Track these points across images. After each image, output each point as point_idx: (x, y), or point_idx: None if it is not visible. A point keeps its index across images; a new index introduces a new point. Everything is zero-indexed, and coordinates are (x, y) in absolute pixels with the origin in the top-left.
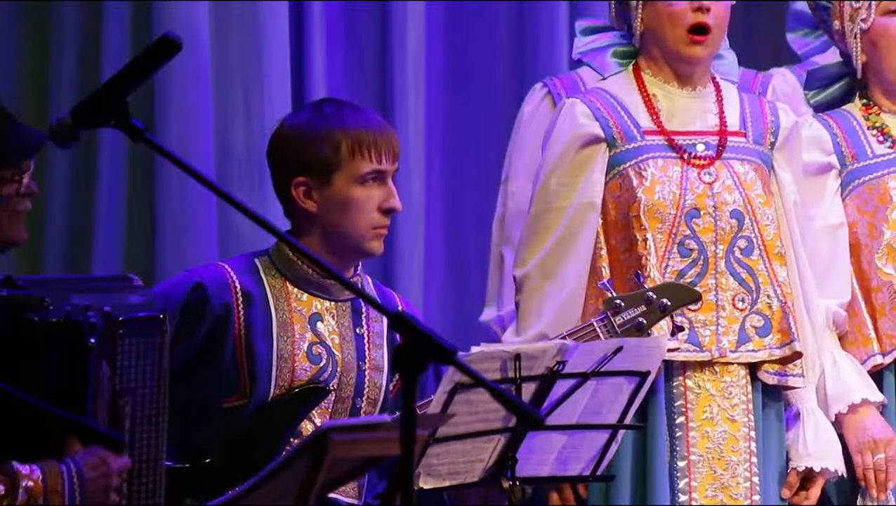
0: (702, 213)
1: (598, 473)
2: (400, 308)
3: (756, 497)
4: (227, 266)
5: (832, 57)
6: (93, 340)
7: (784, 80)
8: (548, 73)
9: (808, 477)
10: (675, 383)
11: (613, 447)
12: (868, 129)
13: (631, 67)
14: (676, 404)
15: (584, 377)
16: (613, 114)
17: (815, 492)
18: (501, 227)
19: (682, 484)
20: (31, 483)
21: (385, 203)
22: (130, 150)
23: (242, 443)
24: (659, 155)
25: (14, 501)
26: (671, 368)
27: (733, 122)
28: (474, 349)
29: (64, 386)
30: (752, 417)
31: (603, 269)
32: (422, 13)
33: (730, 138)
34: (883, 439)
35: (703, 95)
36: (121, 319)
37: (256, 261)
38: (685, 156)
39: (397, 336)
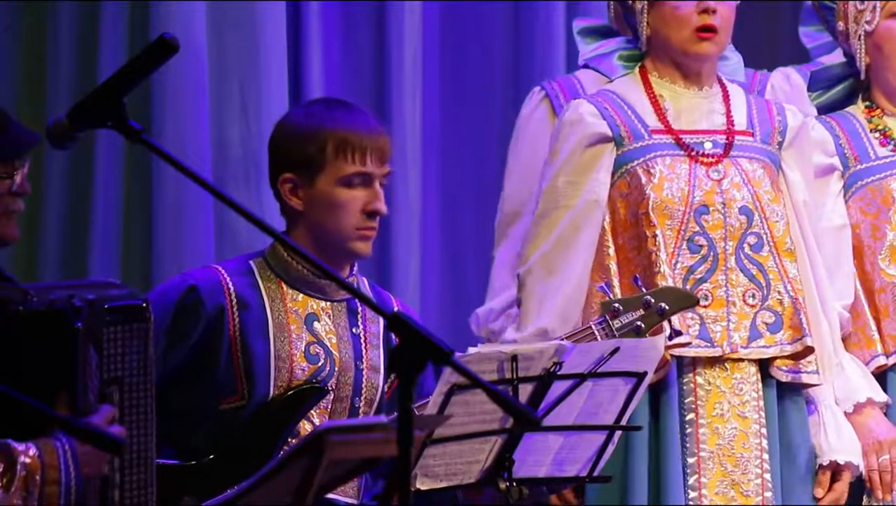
0: (710, 209)
1: (595, 474)
2: (396, 309)
3: (767, 494)
4: (220, 268)
5: (838, 58)
6: (79, 324)
7: (784, 80)
8: (544, 74)
9: (834, 472)
10: (685, 380)
11: (610, 448)
12: (871, 131)
13: (637, 69)
14: (686, 401)
15: (580, 378)
16: (620, 113)
17: (841, 487)
18: (498, 230)
19: (691, 481)
20: (28, 459)
21: (369, 206)
22: (127, 151)
23: (241, 443)
24: (667, 153)
25: (13, 477)
26: (682, 365)
27: (741, 121)
28: (471, 350)
29: (54, 374)
30: (762, 414)
31: (611, 267)
32: (419, 14)
33: (737, 137)
34: (888, 441)
35: (710, 96)
36: (106, 306)
37: (251, 262)
38: (693, 154)
39: (393, 337)
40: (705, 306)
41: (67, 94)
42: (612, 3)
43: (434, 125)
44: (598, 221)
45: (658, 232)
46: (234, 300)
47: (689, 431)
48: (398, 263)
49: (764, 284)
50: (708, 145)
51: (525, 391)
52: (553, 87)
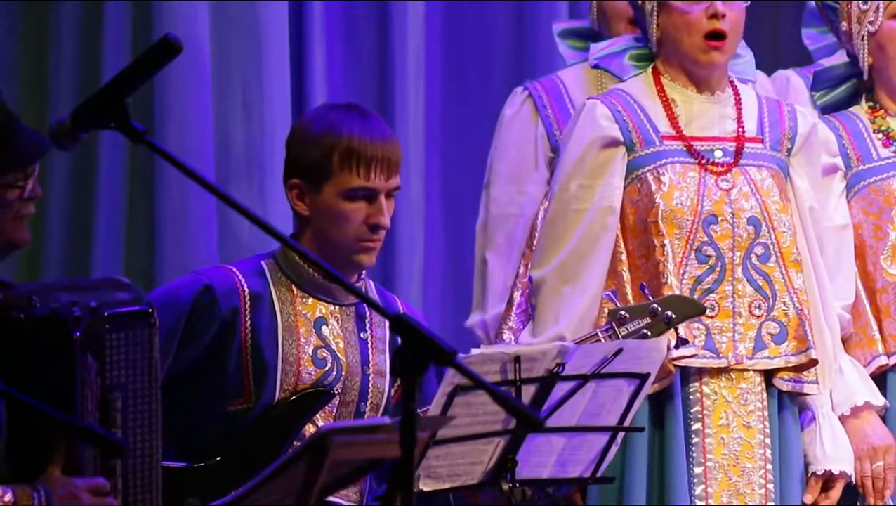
0: (719, 219)
1: (598, 475)
2: (401, 311)
3: (770, 504)
4: (234, 269)
5: (841, 60)
6: (77, 334)
7: (766, 79)
8: (547, 74)
9: (827, 480)
10: (691, 390)
11: (613, 449)
12: (874, 132)
13: (650, 70)
14: (693, 411)
15: (583, 379)
16: (633, 117)
17: (835, 494)
18: (484, 232)
19: (698, 491)
20: (2, 504)
21: (371, 219)
22: (130, 151)
23: (247, 445)
24: (677, 160)
25: None
26: (688, 375)
27: (751, 127)
28: (474, 351)
29: (52, 382)
30: (767, 424)
31: (623, 273)
32: (421, 14)
33: (747, 145)
34: (882, 447)
35: (722, 101)
36: (107, 314)
37: (263, 264)
38: (703, 162)
39: (399, 340)
40: (711, 317)
41: (70, 95)
42: (593, 3)
43: (436, 126)
44: (614, 228)
45: (667, 242)
46: (248, 303)
47: (695, 440)
48: (401, 263)
49: (770, 295)
50: (718, 154)
51: (528, 392)
52: (536, 88)
